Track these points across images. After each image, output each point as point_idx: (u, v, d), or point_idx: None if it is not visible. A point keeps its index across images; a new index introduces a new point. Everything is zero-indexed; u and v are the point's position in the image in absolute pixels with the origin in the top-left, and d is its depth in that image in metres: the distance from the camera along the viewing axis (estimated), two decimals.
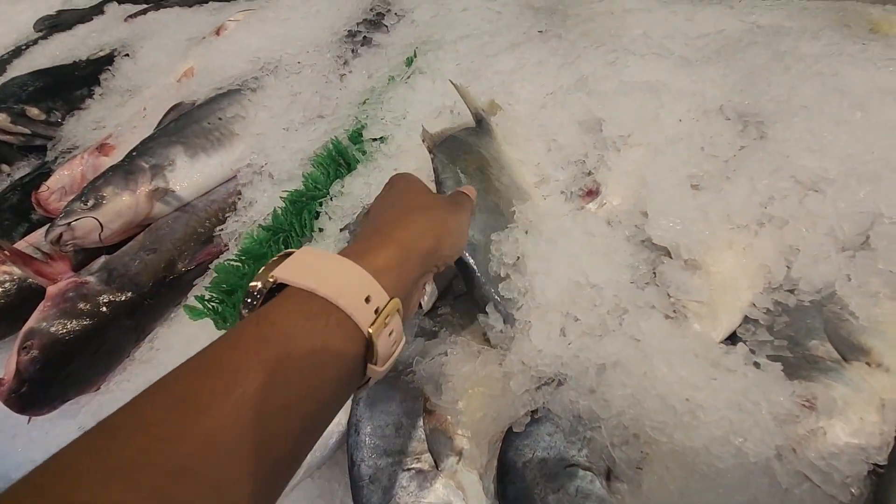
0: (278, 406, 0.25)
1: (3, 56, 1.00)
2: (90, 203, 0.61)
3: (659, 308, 0.45)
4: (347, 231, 0.62)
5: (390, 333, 0.31)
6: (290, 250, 0.32)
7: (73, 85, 0.84)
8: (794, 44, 0.60)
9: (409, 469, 0.42)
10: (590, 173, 0.59)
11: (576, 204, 0.57)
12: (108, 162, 0.73)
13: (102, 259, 0.62)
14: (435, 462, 0.42)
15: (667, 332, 0.43)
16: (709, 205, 0.51)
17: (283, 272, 0.30)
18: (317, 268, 0.30)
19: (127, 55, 0.89)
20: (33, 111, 0.78)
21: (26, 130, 0.78)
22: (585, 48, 0.69)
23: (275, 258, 0.31)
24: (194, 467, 0.22)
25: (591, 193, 0.58)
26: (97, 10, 1.10)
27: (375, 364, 0.31)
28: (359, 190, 0.65)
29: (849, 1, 0.87)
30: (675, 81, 0.61)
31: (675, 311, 0.45)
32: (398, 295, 0.32)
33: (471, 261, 0.47)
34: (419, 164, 0.63)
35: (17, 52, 0.99)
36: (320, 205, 0.65)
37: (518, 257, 0.47)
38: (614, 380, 0.41)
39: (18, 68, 0.93)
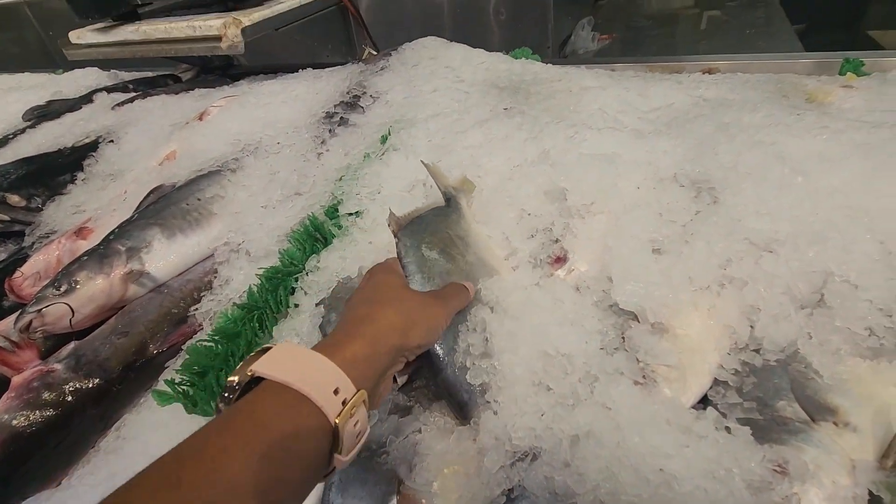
0: (256, 490, 0.28)
1: None
2: (62, 288, 0.61)
3: (628, 374, 0.45)
4: (322, 305, 0.62)
5: (356, 423, 0.34)
6: (267, 346, 0.35)
7: (56, 171, 0.86)
8: (737, 115, 0.65)
9: None
10: (557, 241, 0.61)
11: (545, 271, 0.59)
12: (85, 245, 0.73)
13: (72, 345, 0.61)
14: None
15: (637, 399, 0.43)
16: (671, 268, 0.53)
17: (261, 366, 0.33)
18: (291, 362, 0.34)
19: (111, 141, 0.92)
20: (13, 198, 0.79)
21: (5, 217, 0.79)
22: (547, 123, 0.73)
23: (253, 353, 0.35)
24: None
25: (560, 260, 0.59)
26: (86, 99, 1.15)
27: (340, 454, 0.33)
28: (334, 264, 0.66)
29: (786, 73, 0.95)
30: (631, 152, 0.65)
31: (644, 377, 0.46)
32: (365, 386, 0.35)
33: (435, 347, 0.48)
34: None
35: (4, 141, 1.02)
36: (296, 280, 0.66)
37: (486, 340, 0.47)
38: (588, 451, 0.40)
39: (4, 157, 0.96)
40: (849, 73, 0.89)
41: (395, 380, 0.55)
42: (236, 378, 0.34)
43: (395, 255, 0.54)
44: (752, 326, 0.50)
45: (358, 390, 0.34)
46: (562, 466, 0.40)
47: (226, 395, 0.34)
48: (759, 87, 0.84)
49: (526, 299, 0.51)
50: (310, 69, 1.27)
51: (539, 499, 0.40)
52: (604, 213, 0.61)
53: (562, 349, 0.47)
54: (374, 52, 1.42)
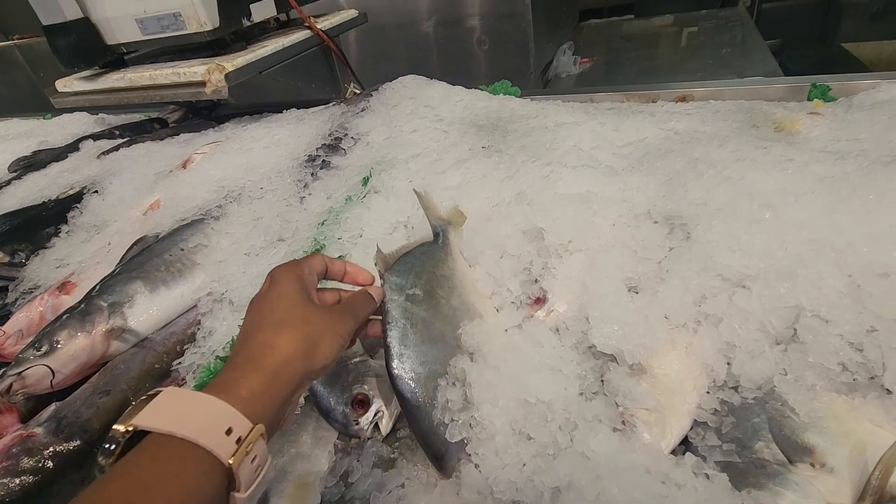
0: None
1: None
2: (43, 349, 0.61)
3: (607, 421, 0.45)
4: None
5: (253, 459, 0.34)
6: (158, 389, 0.34)
7: (40, 225, 0.87)
8: (706, 151, 0.67)
9: None
10: (536, 281, 0.61)
11: (526, 312, 0.59)
12: (68, 301, 0.73)
13: (53, 407, 0.60)
14: None
15: (616, 446, 0.43)
16: (647, 307, 0.54)
17: (144, 419, 0.32)
18: (178, 409, 0.33)
19: (96, 192, 0.93)
20: None
21: None
22: (524, 162, 0.75)
23: (143, 397, 0.34)
24: None
25: (539, 301, 0.60)
26: (72, 148, 1.16)
27: (238, 491, 0.33)
28: None
29: (757, 100, 0.98)
30: (605, 190, 0.66)
31: (624, 422, 0.46)
32: (263, 420, 0.35)
33: (411, 398, 0.47)
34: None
35: None
36: None
37: (465, 395, 0.47)
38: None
39: None
40: (816, 99, 0.91)
41: (377, 427, 0.55)
42: (122, 428, 0.32)
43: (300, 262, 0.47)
44: (728, 363, 0.50)
45: (255, 425, 0.34)
46: None
47: (108, 445, 0.32)
48: (729, 116, 0.87)
49: (506, 345, 0.51)
50: (294, 109, 1.29)
51: None
52: (581, 251, 0.62)
53: (542, 396, 0.47)
54: (358, 91, 1.45)
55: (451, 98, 1.01)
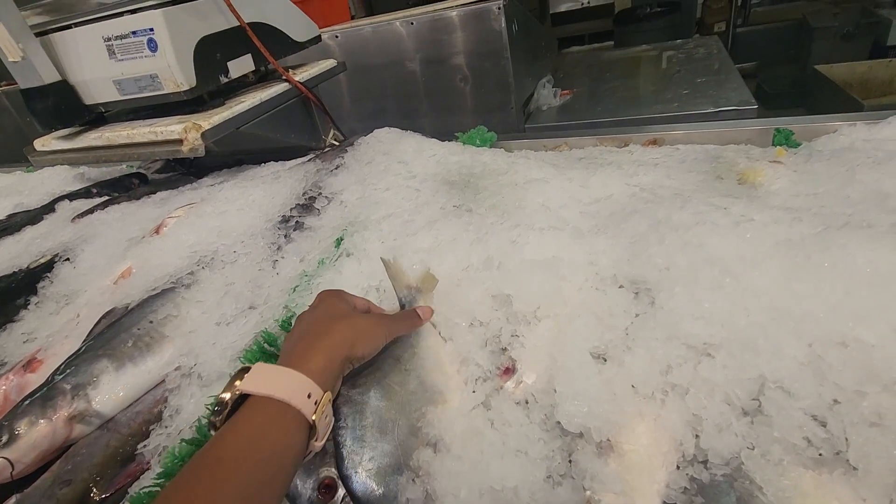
0: (261, 482, 0.38)
1: None
2: (4, 440, 0.59)
3: None
4: None
5: (325, 417, 0.46)
6: (246, 365, 0.46)
7: (9, 297, 0.85)
8: (668, 213, 0.68)
9: None
10: (505, 350, 0.61)
11: (495, 384, 0.59)
12: (34, 379, 0.72)
13: (13, 500, 0.58)
14: None
15: None
16: (614, 378, 0.54)
17: (248, 385, 0.44)
18: (271, 378, 0.44)
19: (67, 259, 0.92)
20: None
21: None
22: (492, 224, 0.75)
23: (236, 373, 0.46)
24: None
25: (508, 371, 0.60)
26: (48, 209, 1.16)
27: (316, 441, 0.45)
28: None
29: (724, 145, 1.00)
30: (571, 254, 0.67)
31: None
32: (328, 388, 0.47)
33: (366, 500, 0.47)
34: None
35: None
36: None
37: (425, 492, 0.46)
38: None
39: None
40: (778, 147, 0.94)
41: None
42: (227, 394, 0.44)
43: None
44: (697, 436, 0.50)
45: (325, 392, 0.46)
46: None
47: (217, 408, 0.44)
48: (695, 167, 0.88)
49: (469, 429, 0.50)
50: (272, 163, 1.30)
51: None
52: (549, 317, 0.62)
53: (507, 483, 0.47)
54: (337, 142, 1.47)
55: (424, 152, 1.02)
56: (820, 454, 0.46)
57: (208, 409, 0.63)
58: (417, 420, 0.51)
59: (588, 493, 0.46)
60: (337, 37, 2.35)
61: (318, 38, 1.59)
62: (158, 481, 0.57)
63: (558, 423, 0.53)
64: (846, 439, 0.45)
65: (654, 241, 0.63)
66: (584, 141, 1.18)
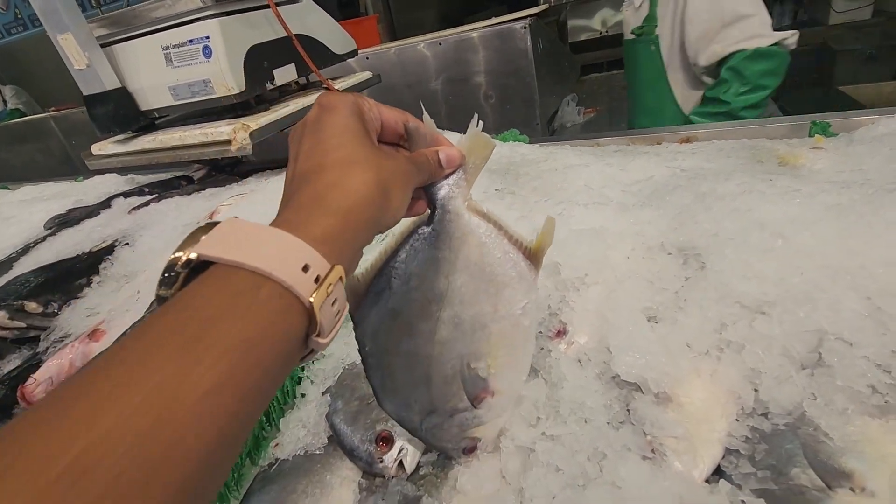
0: (203, 390, 0.23)
1: (11, 255, 1.08)
2: None
3: (636, 449, 0.45)
4: (329, 394, 0.63)
5: (333, 302, 0.30)
6: (215, 220, 0.30)
7: (73, 276, 0.90)
8: (712, 185, 0.69)
9: None
10: (555, 314, 0.62)
11: (547, 346, 0.60)
12: (98, 347, 0.75)
13: None
14: None
15: (647, 476, 0.42)
16: (667, 336, 0.54)
17: (207, 247, 0.28)
18: (245, 239, 0.28)
19: (127, 244, 0.97)
20: (31, 305, 0.83)
21: (22, 324, 0.82)
22: (536, 202, 0.78)
23: (201, 226, 0.30)
24: (93, 465, 0.20)
25: (560, 333, 0.61)
26: (104, 205, 1.22)
27: (319, 336, 0.29)
28: (339, 350, 0.67)
29: (758, 139, 1.01)
30: (617, 225, 0.68)
31: (653, 451, 0.45)
32: (340, 262, 0.30)
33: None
34: None
35: (25, 250, 1.08)
36: (302, 370, 0.66)
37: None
38: None
39: (25, 265, 1.00)
40: (817, 135, 0.94)
41: (402, 465, 0.54)
42: (182, 255, 0.28)
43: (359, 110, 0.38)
44: (755, 390, 0.50)
45: (333, 266, 0.29)
46: None
47: (167, 274, 0.29)
48: (733, 154, 0.90)
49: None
50: None
51: None
52: (598, 283, 0.63)
53: (567, 428, 0.47)
54: None
55: None
56: (886, 401, 0.45)
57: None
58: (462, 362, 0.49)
59: (649, 437, 0.46)
60: (368, 58, 2.45)
61: (355, 52, 1.67)
62: None
63: (614, 376, 0.53)
64: None
65: (701, 210, 0.65)
66: (617, 141, 1.20)
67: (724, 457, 0.46)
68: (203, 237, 0.28)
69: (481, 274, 0.44)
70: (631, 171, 0.84)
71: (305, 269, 0.28)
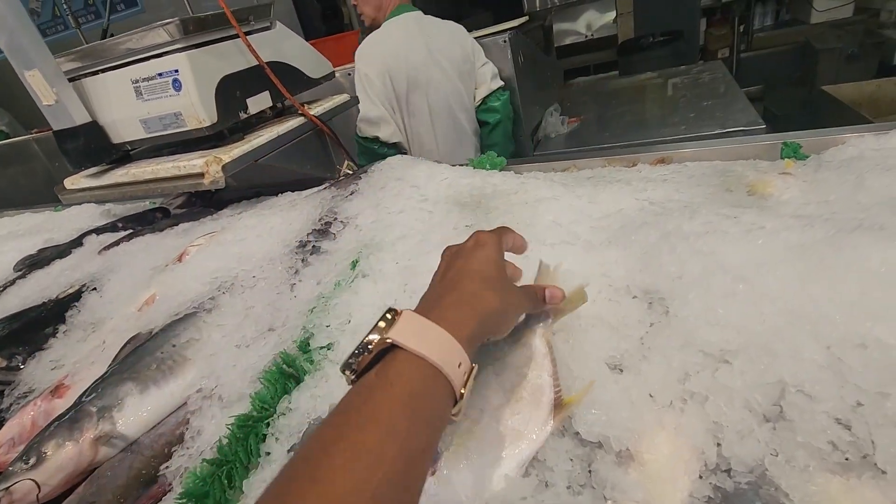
0: (418, 450, 0.35)
1: None
2: (31, 462, 0.60)
3: None
4: (293, 452, 0.62)
5: (469, 392, 0.42)
6: (393, 309, 0.42)
7: (39, 326, 0.88)
8: (678, 223, 0.68)
9: None
10: None
11: None
12: (61, 404, 0.73)
13: None
14: None
15: None
16: (631, 388, 0.54)
17: (400, 336, 0.39)
18: (423, 335, 0.40)
19: (94, 289, 0.96)
20: None
21: None
22: None
23: (387, 315, 0.41)
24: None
25: None
26: (76, 243, 1.21)
27: (456, 415, 0.41)
28: (306, 404, 0.66)
29: (731, 161, 1.01)
30: (583, 267, 0.67)
31: None
32: (474, 360, 0.43)
33: None
34: None
35: None
36: (267, 425, 0.65)
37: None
38: None
39: None
40: (787, 159, 0.94)
41: None
42: (375, 337, 0.40)
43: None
44: (718, 444, 0.49)
45: (473, 366, 0.43)
46: None
47: (356, 351, 0.40)
48: (703, 181, 0.89)
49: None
50: (288, 193, 1.35)
51: None
52: (563, 330, 0.62)
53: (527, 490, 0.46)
54: (351, 171, 1.51)
55: (435, 177, 1.05)
56: (846, 458, 0.45)
57: (229, 427, 0.64)
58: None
59: (609, 502, 0.46)
60: (349, 74, 2.44)
61: (331, 75, 1.66)
62: (181, 500, 0.58)
63: (577, 433, 0.52)
64: (872, 442, 0.44)
65: (666, 251, 0.64)
66: (593, 162, 1.19)
67: None
68: (393, 327, 0.40)
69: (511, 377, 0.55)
70: (600, 204, 0.83)
71: (459, 365, 0.41)
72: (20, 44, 1.21)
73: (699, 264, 0.61)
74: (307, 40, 1.65)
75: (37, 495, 0.60)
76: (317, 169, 1.66)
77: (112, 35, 1.27)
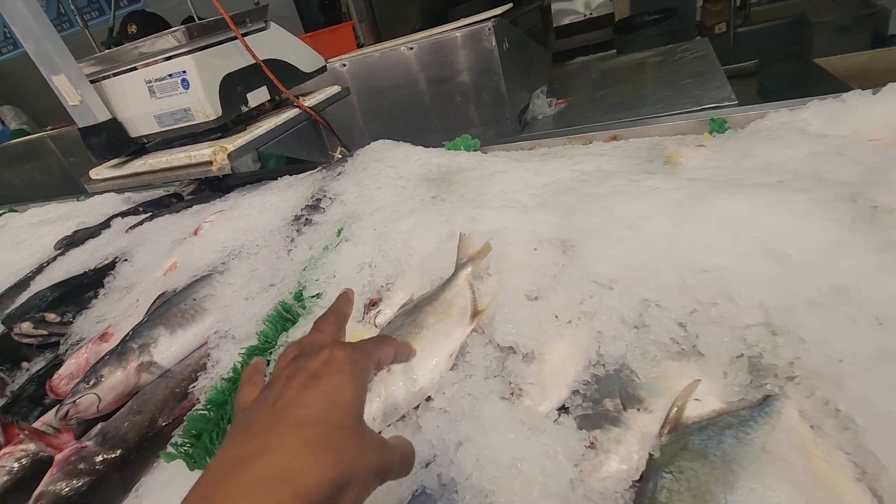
0: None
1: (28, 274, 1.25)
2: (91, 383, 0.79)
3: (498, 393, 0.61)
4: None
5: None
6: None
7: (82, 290, 1.07)
8: (592, 188, 0.85)
9: None
10: None
11: None
12: (107, 347, 0.92)
13: (99, 426, 0.78)
14: None
15: (501, 410, 0.59)
16: (540, 311, 0.71)
17: None
18: None
19: (126, 260, 1.14)
20: (50, 316, 1.00)
21: (44, 332, 0.99)
22: (459, 208, 0.94)
23: None
24: None
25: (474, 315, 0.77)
26: (105, 225, 1.39)
27: None
28: (299, 335, 0.84)
29: (666, 137, 1.16)
30: (517, 225, 0.84)
31: (512, 393, 0.62)
32: None
33: None
34: None
35: (40, 269, 1.25)
36: (270, 354, 0.83)
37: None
38: (465, 451, 0.56)
39: (40, 283, 1.18)
40: (707, 133, 1.09)
41: None
42: None
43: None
44: (599, 346, 0.66)
45: None
46: (448, 464, 0.56)
47: None
48: (634, 154, 1.05)
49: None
50: (286, 176, 1.52)
51: (434, 492, 0.55)
52: (498, 273, 0.79)
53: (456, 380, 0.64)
54: (342, 156, 1.68)
55: (411, 158, 1.22)
56: (682, 349, 0.61)
57: (241, 355, 0.83)
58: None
59: (511, 384, 0.63)
60: (345, 65, 2.59)
61: (323, 69, 1.82)
62: (207, 406, 0.76)
63: (496, 342, 0.70)
64: (697, 335, 0.60)
65: (579, 209, 0.81)
66: (556, 141, 1.35)
67: (569, 397, 0.63)
68: None
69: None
70: (542, 175, 1.00)
71: None
72: (46, 51, 1.38)
73: (602, 218, 0.77)
74: (306, 31, 1.80)
75: (97, 406, 0.79)
76: (312, 154, 1.83)
77: (116, 32, 1.44)
